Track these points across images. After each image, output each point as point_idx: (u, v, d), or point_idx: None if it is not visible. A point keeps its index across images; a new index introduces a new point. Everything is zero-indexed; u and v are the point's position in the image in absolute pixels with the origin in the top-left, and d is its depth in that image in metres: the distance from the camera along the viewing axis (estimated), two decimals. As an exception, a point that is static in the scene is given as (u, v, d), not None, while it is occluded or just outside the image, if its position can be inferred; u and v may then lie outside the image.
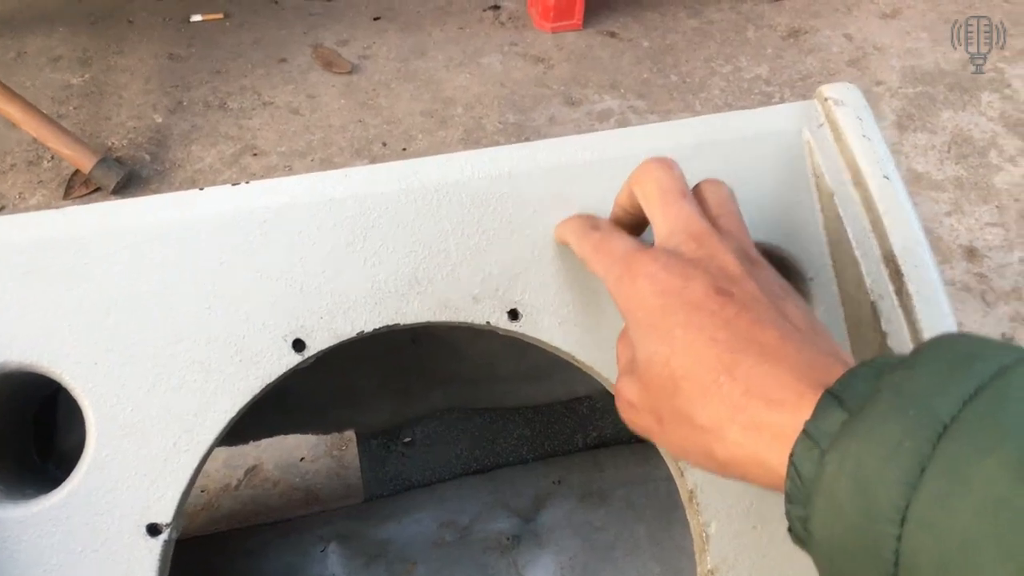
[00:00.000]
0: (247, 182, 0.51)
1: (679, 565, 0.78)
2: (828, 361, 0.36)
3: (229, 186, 0.51)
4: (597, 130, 1.60)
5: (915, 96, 1.77)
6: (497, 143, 1.56)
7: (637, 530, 0.81)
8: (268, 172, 1.46)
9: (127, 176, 1.38)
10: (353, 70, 1.74)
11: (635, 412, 0.42)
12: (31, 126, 1.33)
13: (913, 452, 0.29)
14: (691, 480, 0.51)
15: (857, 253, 0.52)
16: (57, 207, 1.22)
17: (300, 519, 0.84)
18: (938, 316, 0.49)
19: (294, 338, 0.50)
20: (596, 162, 0.54)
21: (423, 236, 0.52)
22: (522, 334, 0.52)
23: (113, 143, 1.52)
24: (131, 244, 0.49)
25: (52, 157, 1.46)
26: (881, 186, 0.52)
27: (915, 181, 1.54)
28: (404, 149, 1.57)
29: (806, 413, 0.33)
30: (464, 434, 0.85)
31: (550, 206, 0.53)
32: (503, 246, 0.52)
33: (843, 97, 0.55)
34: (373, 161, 1.53)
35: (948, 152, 1.62)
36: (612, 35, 1.90)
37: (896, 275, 0.51)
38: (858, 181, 0.53)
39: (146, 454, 0.48)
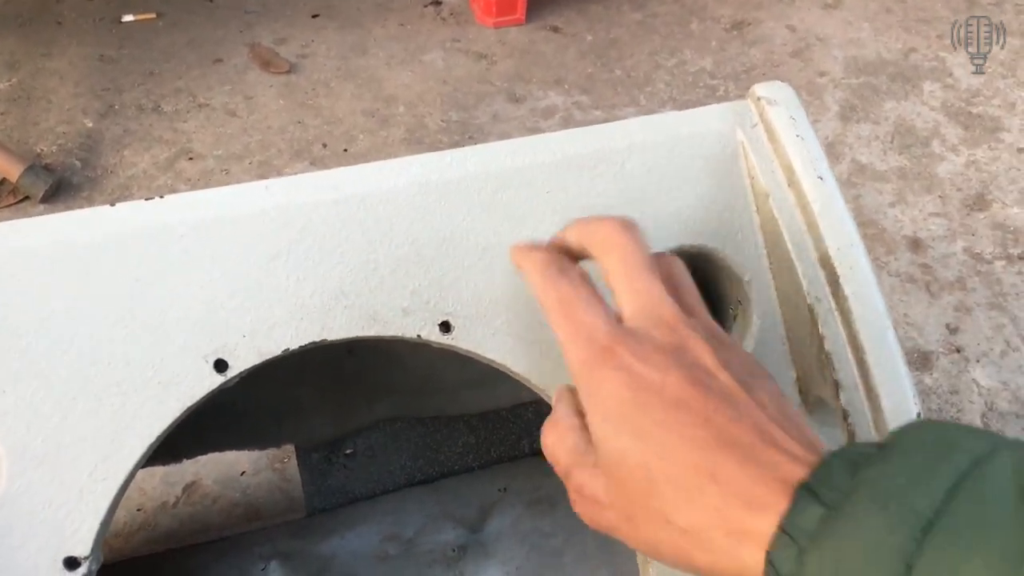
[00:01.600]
0: (161, 196, 0.50)
1: (629, 570, 0.78)
2: (805, 454, 0.35)
3: (143, 201, 0.49)
4: (541, 127, 1.59)
5: (858, 87, 1.79)
6: (440, 142, 1.54)
7: (586, 535, 0.80)
8: (204, 176, 1.43)
9: (56, 184, 1.35)
10: (291, 69, 1.72)
11: (599, 509, 0.40)
12: (-47, 134, 1.29)
13: (898, 549, 0.29)
14: (631, 491, 0.51)
15: (793, 255, 0.52)
16: (-17, 218, 1.18)
17: (239, 537, 0.82)
18: (874, 318, 0.49)
19: (216, 358, 0.48)
20: (526, 168, 0.53)
21: (349, 248, 0.51)
22: (455, 347, 0.51)
23: (42, 149, 1.48)
24: (39, 265, 0.47)
25: (-22, 166, 1.42)
26: (815, 186, 0.52)
27: (859, 172, 1.55)
28: (345, 150, 1.55)
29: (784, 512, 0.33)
30: (407, 444, 0.84)
31: (480, 214, 0.52)
32: (433, 257, 0.51)
33: (776, 96, 0.55)
34: (313, 163, 1.50)
35: (891, 143, 1.63)
36: (555, 30, 1.89)
37: (832, 277, 0.50)
38: (792, 182, 0.53)
39: (61, 485, 0.46)
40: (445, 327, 0.51)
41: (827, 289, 0.51)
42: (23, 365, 0.46)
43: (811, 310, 0.51)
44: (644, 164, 0.54)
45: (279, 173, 1.40)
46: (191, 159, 1.47)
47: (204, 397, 0.48)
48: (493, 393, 0.82)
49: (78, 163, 1.45)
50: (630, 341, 0.39)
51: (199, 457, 0.99)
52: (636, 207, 0.53)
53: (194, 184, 1.38)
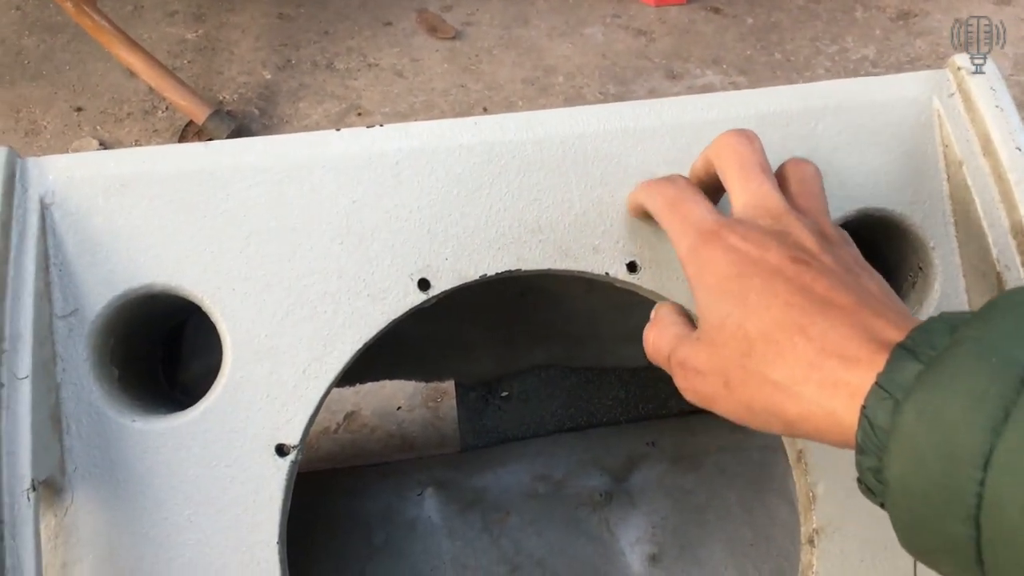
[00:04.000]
0: (381, 125, 0.53)
1: (770, 532, 0.79)
2: (904, 323, 0.36)
3: (364, 128, 0.53)
4: (698, 104, 1.59)
5: (1028, 84, 1.71)
6: (597, 113, 1.55)
7: (728, 496, 0.81)
8: (371, 132, 1.49)
9: (238, 129, 1.42)
10: (456, 36, 1.76)
11: (701, 378, 0.41)
12: (150, 76, 1.38)
13: (998, 398, 0.29)
14: (800, 440, 0.52)
15: (984, 223, 0.52)
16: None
17: (398, 464, 0.86)
18: (1067, 289, 0.48)
19: (420, 277, 0.51)
20: (720, 121, 0.54)
21: (547, 186, 0.53)
22: (638, 286, 0.53)
23: (224, 97, 1.56)
24: (270, 179, 0.51)
25: (167, 107, 1.51)
26: (1013, 157, 0.51)
27: (1024, 170, 1.49)
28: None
29: (881, 369, 0.33)
30: (560, 392, 0.86)
31: (672, 163, 0.53)
32: (625, 200, 0.53)
33: (977, 68, 0.55)
34: (474, 126, 1.54)
35: (1061, 142, 1.56)
36: (716, 11, 1.88)
37: (1024, 246, 0.50)
38: (988, 151, 0.52)
39: (277, 378, 0.50)
40: (631, 267, 0.53)
41: (1017, 258, 0.50)
42: (251, 268, 0.50)
43: (999, 277, 0.50)
44: (836, 126, 0.54)
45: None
46: (360, 115, 1.53)
47: (406, 312, 0.51)
48: (648, 350, 0.84)
49: (256, 111, 1.53)
50: (736, 225, 0.42)
51: (359, 389, 1.04)
52: (825, 168, 0.54)
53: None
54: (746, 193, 0.44)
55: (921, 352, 0.32)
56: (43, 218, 0.50)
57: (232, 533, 0.49)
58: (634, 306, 0.57)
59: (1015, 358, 0.30)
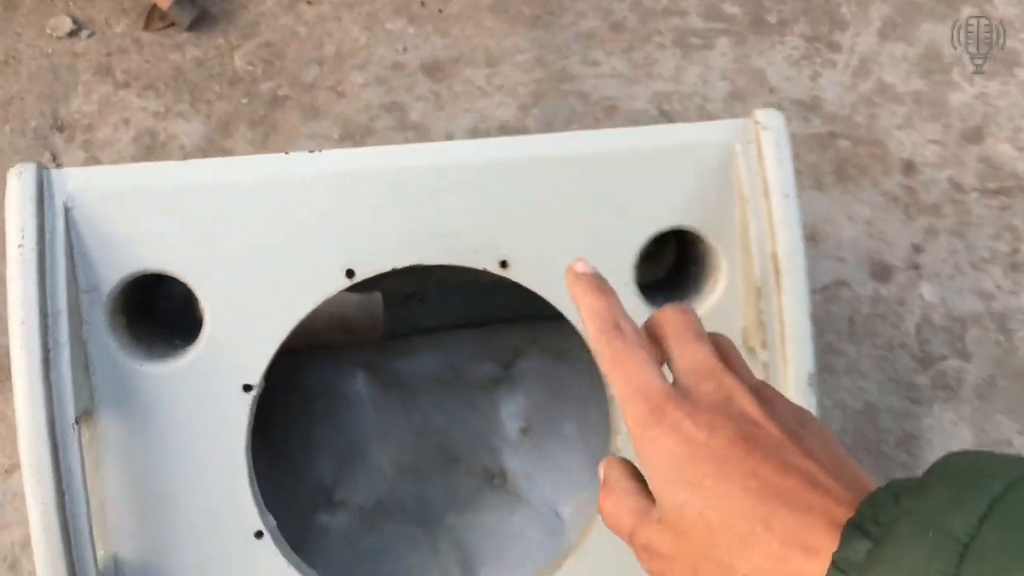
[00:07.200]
0: (319, 150, 0.65)
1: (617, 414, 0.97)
2: (853, 496, 0.36)
3: (307, 152, 0.65)
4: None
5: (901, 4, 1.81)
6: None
7: (586, 384, 0.97)
8: (320, 20, 1.55)
9: (200, 14, 1.48)
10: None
11: (667, 564, 0.39)
12: (118, -37, 1.41)
13: (938, 573, 0.29)
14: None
15: (754, 248, 0.66)
16: (136, 37, 1.34)
17: (336, 348, 1.01)
18: (798, 309, 0.65)
19: (347, 268, 0.65)
20: (527, 160, 0.67)
21: (444, 204, 0.66)
22: (512, 280, 0.68)
23: (186, -24, 1.59)
24: (238, 191, 0.64)
25: (133, -14, 1.54)
26: (780, 202, 0.66)
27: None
28: (440, 11, 1.64)
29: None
30: (463, 296, 1.01)
31: (535, 184, 0.67)
32: (497, 212, 0.67)
33: (769, 124, 0.67)
34: (411, 20, 1.60)
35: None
36: None
37: (776, 272, 0.65)
38: (766, 194, 0.66)
39: (243, 335, 0.64)
40: (503, 264, 0.67)
41: (772, 279, 0.66)
42: (225, 256, 0.64)
43: (758, 291, 0.66)
44: (656, 166, 0.67)
45: (383, 25, 1.51)
46: (310, 4, 1.59)
47: (336, 292, 0.65)
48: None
49: (216, -5, 1.57)
50: (680, 400, 0.40)
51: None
52: (640, 196, 0.68)
53: (311, 27, 1.50)
54: (685, 357, 0.43)
55: (869, 528, 0.32)
56: (66, 219, 0.62)
57: (212, 445, 0.65)
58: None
59: (951, 532, 0.30)
